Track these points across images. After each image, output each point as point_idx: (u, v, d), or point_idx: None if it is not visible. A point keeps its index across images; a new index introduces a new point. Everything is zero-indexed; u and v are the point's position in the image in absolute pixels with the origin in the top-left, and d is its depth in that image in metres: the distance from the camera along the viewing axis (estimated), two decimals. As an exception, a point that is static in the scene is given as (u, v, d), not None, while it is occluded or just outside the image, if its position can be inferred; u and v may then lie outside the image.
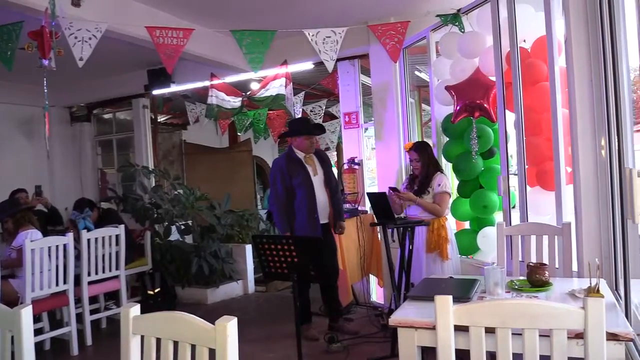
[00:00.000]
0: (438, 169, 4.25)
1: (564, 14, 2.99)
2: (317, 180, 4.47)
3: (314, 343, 4.31)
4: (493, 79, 3.94)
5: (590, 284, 2.17)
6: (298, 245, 3.16)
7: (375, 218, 4.22)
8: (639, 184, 1.64)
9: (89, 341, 4.67)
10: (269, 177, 4.58)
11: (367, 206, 5.59)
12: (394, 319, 2.05)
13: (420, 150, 4.26)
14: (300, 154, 4.50)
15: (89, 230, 4.80)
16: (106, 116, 8.66)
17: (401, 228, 3.87)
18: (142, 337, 1.59)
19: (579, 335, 1.60)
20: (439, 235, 4.04)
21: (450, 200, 4.25)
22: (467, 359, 1.63)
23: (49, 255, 4.26)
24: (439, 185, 4.11)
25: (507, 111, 3.77)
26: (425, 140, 5.50)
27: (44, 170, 7.85)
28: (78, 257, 4.64)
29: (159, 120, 8.58)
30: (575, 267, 2.93)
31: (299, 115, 6.80)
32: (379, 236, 5.28)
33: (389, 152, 5.53)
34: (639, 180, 1.64)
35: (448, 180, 4.21)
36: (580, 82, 2.86)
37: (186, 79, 6.82)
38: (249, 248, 6.54)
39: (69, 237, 4.42)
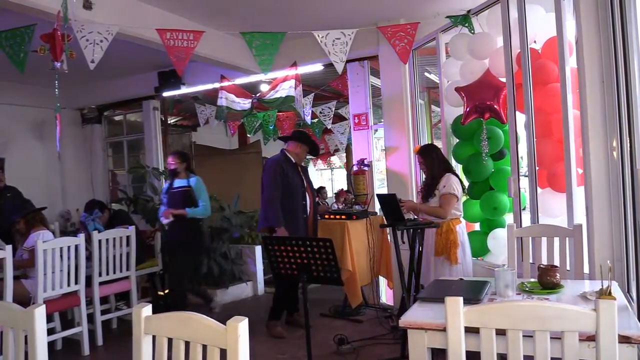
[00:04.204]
0: (447, 170, 4.11)
1: (574, 15, 2.97)
2: (306, 185, 4.85)
3: (324, 344, 4.30)
4: (503, 80, 3.93)
5: (602, 286, 2.16)
6: (310, 246, 3.16)
7: (385, 220, 4.21)
8: (651, 185, 1.62)
9: (100, 341, 4.70)
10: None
11: (377, 208, 5.58)
12: (404, 320, 2.04)
13: (424, 153, 4.18)
14: (294, 160, 4.82)
15: (99, 231, 4.84)
16: (117, 118, 8.72)
17: (411, 230, 3.86)
18: (154, 337, 1.60)
19: (591, 338, 1.59)
20: (447, 239, 3.92)
21: (457, 202, 4.03)
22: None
23: (61, 256, 4.29)
24: (444, 186, 3.98)
25: (517, 112, 3.76)
26: (434, 141, 5.49)
27: (55, 171, 7.93)
28: (89, 258, 4.68)
29: (169, 122, 8.63)
30: (586, 269, 2.92)
31: (309, 117, 6.85)
32: (389, 238, 5.27)
33: (398, 154, 5.52)
34: (651, 181, 1.63)
35: (456, 181, 4.03)
36: (591, 82, 2.85)
37: (196, 81, 6.86)
38: (258, 249, 6.57)
39: (81, 238, 4.46)
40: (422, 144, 4.65)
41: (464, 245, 4.01)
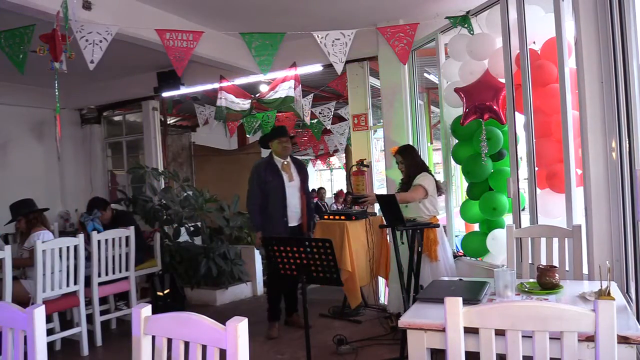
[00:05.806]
0: (423, 170, 4.35)
1: (573, 15, 2.98)
2: (293, 186, 4.77)
3: (323, 345, 4.30)
4: (502, 80, 3.93)
5: (601, 286, 2.16)
6: (310, 247, 3.16)
7: (384, 220, 4.22)
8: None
9: (99, 342, 4.70)
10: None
11: (377, 208, 5.59)
12: (404, 320, 2.05)
13: (403, 153, 4.41)
14: (279, 161, 4.79)
15: (98, 231, 4.83)
16: (116, 118, 8.72)
17: (410, 230, 3.87)
18: (153, 338, 1.60)
19: (590, 338, 1.59)
20: (427, 237, 4.17)
21: (427, 197, 4.21)
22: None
23: (60, 256, 4.29)
24: (418, 179, 4.23)
25: (516, 113, 3.76)
26: (433, 142, 5.51)
27: (54, 172, 7.92)
28: (88, 258, 4.68)
29: (168, 122, 8.64)
30: (585, 270, 2.92)
31: (308, 118, 6.85)
32: (388, 238, 5.27)
33: (397, 154, 5.52)
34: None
35: (430, 179, 4.26)
36: (590, 83, 2.85)
37: (196, 81, 6.86)
38: (257, 250, 6.56)
39: (80, 239, 4.46)
40: (399, 146, 4.66)
41: (444, 243, 4.30)
